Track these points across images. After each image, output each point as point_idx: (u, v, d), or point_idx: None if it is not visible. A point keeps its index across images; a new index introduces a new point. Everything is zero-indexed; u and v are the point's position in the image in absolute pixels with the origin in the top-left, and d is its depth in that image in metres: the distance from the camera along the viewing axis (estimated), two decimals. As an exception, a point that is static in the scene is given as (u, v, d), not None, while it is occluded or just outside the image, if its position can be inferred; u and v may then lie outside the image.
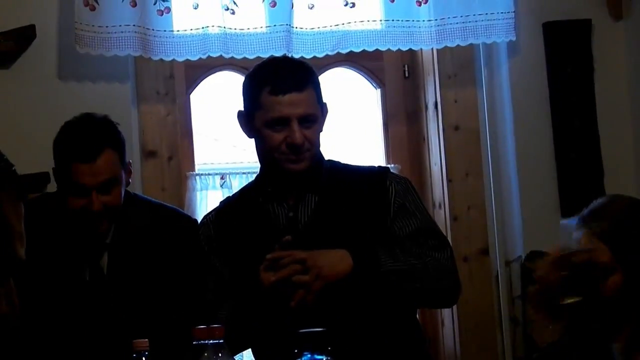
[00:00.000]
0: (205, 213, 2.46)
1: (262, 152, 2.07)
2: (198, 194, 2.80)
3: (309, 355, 1.37)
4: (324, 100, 2.08)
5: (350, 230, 2.03)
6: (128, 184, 2.18)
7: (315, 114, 2.03)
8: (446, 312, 2.84)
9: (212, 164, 3.07)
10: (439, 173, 2.91)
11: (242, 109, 2.09)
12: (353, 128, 3.19)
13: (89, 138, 2.08)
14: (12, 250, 1.04)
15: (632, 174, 2.94)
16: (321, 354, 1.37)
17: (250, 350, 2.17)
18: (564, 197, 2.79)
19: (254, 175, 2.22)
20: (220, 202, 2.24)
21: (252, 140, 2.11)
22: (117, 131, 2.14)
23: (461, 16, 2.73)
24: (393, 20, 2.72)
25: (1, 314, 1.11)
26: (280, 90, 2.00)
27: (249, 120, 2.07)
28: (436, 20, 2.73)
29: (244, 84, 2.13)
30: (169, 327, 1.99)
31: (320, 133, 2.07)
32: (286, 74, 2.06)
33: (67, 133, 2.13)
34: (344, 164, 2.15)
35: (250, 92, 2.07)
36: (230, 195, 2.35)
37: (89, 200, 2.02)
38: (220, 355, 1.39)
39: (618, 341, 1.75)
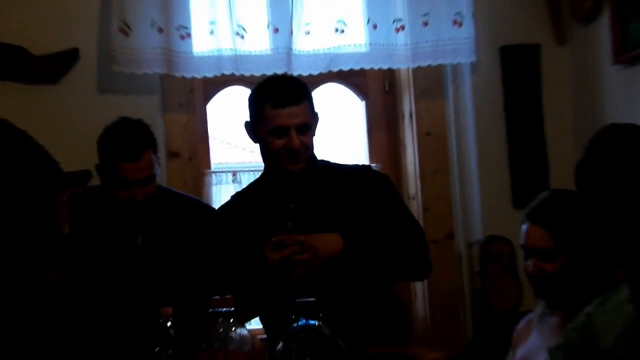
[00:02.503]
0: (220, 204, 2.45)
1: (266, 155, 2.08)
2: (214, 188, 2.81)
3: (303, 321, 1.37)
4: (316, 110, 2.10)
5: (341, 217, 2.05)
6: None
7: (310, 123, 2.04)
8: (418, 287, 2.91)
9: (225, 163, 3.03)
10: (413, 171, 2.95)
11: (248, 119, 2.11)
12: (342, 134, 3.22)
13: (132, 141, 2.13)
14: (58, 229, 1.10)
15: (573, 171, 2.80)
16: (314, 320, 1.36)
17: (258, 318, 2.22)
18: (516, 191, 2.85)
19: (260, 173, 2.25)
20: (232, 196, 2.27)
21: (257, 145, 2.14)
22: (151, 133, 2.18)
23: (432, 41, 2.75)
24: (376, 44, 2.72)
25: (52, 287, 1.15)
26: (280, 104, 2.01)
27: (254, 129, 2.08)
28: (411, 44, 2.74)
29: (249, 98, 2.14)
30: (189, 293, 2.00)
31: (314, 137, 2.09)
32: (284, 90, 2.06)
33: (112, 135, 2.15)
34: (333, 163, 2.18)
35: (255, 106, 2.08)
36: (240, 190, 2.34)
37: (132, 192, 2.10)
38: (231, 321, 1.44)
39: (556, 315, 1.78)
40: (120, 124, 2.16)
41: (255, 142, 2.10)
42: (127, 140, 2.12)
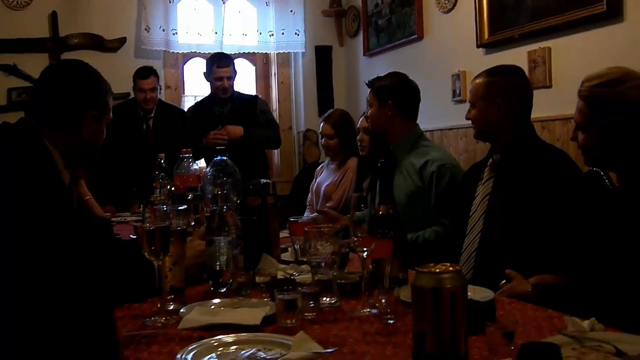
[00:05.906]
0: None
1: (211, 89, 3.21)
2: (186, 102, 4.08)
3: (219, 157, 1.75)
4: (236, 69, 3.22)
5: (243, 118, 3.11)
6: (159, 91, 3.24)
7: (233, 76, 3.17)
8: (276, 152, 4.21)
9: (190, 93, 4.24)
10: (275, 98, 4.33)
11: (205, 71, 3.20)
12: (244, 81, 4.27)
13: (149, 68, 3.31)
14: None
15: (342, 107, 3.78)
16: (224, 157, 1.76)
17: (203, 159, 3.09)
18: (320, 107, 4.20)
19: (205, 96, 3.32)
20: (195, 104, 3.44)
21: (208, 84, 3.26)
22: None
23: (285, 41, 4.12)
24: (260, 41, 4.12)
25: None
26: (220, 66, 3.12)
27: (208, 77, 3.19)
28: (276, 42, 4.13)
29: (206, 62, 3.20)
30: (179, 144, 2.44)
31: (234, 82, 3.20)
32: (222, 59, 3.17)
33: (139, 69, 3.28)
34: (242, 93, 3.31)
35: (208, 66, 3.18)
36: (196, 102, 3.47)
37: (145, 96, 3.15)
38: (190, 159, 1.91)
39: (334, 162, 2.56)
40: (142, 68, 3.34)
41: (208, 81, 3.24)
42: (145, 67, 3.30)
